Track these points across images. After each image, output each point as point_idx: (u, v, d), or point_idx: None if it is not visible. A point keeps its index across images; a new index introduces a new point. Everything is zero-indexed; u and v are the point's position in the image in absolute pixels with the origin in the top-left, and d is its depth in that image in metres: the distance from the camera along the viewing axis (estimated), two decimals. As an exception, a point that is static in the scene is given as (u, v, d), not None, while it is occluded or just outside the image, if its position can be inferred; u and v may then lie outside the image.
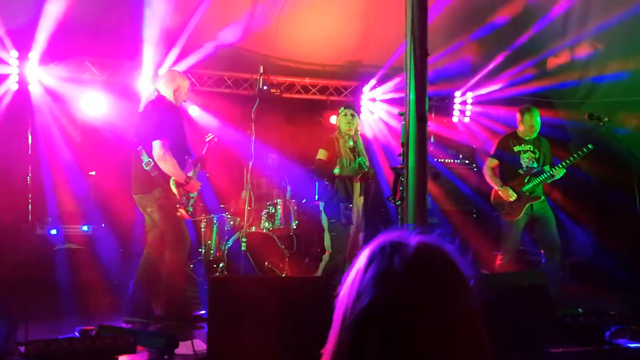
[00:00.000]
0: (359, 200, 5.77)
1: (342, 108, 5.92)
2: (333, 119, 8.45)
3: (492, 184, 6.07)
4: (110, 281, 5.97)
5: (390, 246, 1.03)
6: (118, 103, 7.00)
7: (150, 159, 4.69)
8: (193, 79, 7.64)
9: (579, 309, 5.04)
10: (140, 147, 4.77)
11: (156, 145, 4.65)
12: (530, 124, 5.95)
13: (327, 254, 5.65)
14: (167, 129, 4.74)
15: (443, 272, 1.03)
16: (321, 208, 5.83)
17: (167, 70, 5.75)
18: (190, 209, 4.96)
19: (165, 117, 4.78)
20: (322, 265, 5.64)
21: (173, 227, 4.81)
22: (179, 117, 5.05)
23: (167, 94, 4.97)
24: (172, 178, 4.74)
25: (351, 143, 5.75)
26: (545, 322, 4.17)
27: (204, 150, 5.37)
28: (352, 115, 5.81)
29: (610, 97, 6.96)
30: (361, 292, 1.01)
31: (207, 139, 5.45)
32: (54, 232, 6.19)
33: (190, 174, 4.96)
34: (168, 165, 4.69)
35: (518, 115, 6.06)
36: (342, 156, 5.69)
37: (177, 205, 4.75)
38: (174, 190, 4.74)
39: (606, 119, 5.78)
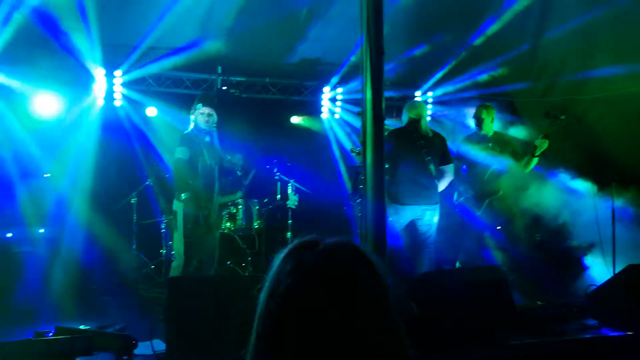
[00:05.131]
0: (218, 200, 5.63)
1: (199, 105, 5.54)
2: (294, 119, 8.50)
3: None
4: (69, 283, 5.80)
5: (305, 243, 1.14)
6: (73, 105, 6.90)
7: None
8: (150, 80, 7.55)
9: (538, 302, 5.16)
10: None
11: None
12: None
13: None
14: None
15: (351, 265, 1.11)
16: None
17: None
18: None
19: None
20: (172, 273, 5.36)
21: None
22: None
23: None
24: None
25: (207, 139, 5.52)
26: (504, 315, 4.23)
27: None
28: (209, 114, 5.48)
29: (570, 94, 7.11)
30: (278, 284, 1.09)
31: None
32: (9, 235, 6.00)
33: None
34: None
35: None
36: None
37: None
38: None
39: (563, 117, 5.90)
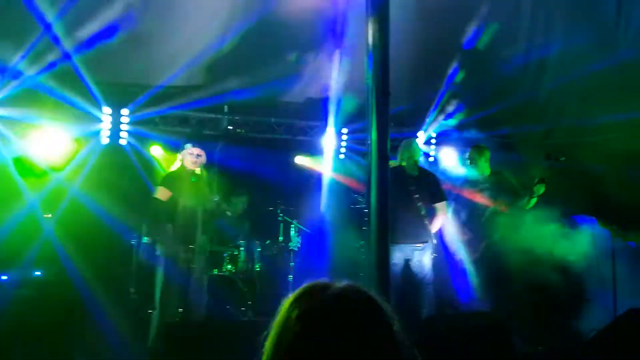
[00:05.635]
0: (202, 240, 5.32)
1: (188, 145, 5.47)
2: (299, 159, 8.52)
3: None
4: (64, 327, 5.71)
5: (313, 288, 1.12)
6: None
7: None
8: (156, 119, 7.61)
9: (539, 347, 5.08)
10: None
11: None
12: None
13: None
14: None
15: (361, 311, 1.09)
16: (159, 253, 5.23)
17: None
18: None
19: None
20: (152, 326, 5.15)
21: None
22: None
23: None
24: None
25: (193, 179, 5.33)
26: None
27: None
28: (198, 155, 5.38)
29: (569, 138, 7.14)
30: (286, 330, 1.06)
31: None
32: (4, 277, 5.92)
33: None
34: None
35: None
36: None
37: None
38: None
39: (563, 158, 5.92)
